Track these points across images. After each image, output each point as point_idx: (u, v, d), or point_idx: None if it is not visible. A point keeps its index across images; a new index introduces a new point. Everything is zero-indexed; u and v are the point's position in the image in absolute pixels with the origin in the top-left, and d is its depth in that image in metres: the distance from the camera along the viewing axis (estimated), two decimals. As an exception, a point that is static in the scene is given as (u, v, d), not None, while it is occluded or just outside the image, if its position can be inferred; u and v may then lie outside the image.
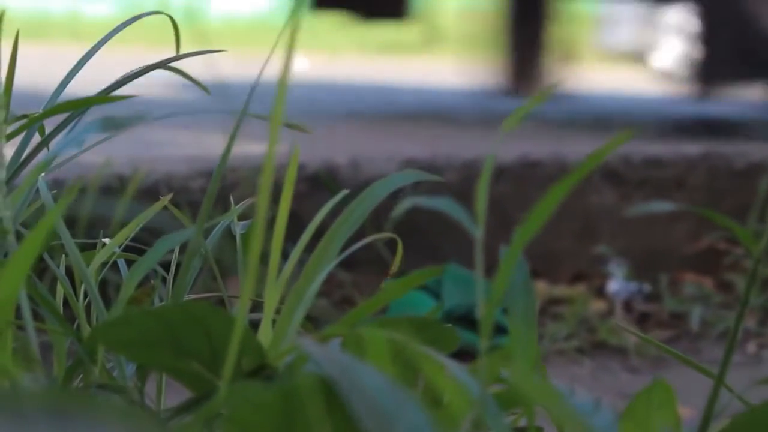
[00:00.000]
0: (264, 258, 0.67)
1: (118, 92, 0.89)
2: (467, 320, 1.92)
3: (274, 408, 0.56)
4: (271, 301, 0.75)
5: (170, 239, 0.79)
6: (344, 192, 0.86)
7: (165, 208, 0.91)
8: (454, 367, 0.59)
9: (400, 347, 0.64)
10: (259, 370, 0.68)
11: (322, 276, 0.76)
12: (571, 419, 0.55)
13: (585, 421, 0.57)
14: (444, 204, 0.60)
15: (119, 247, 0.90)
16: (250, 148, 2.00)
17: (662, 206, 0.69)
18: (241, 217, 0.92)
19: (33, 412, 0.40)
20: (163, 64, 0.92)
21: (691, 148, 2.41)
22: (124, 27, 0.95)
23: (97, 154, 1.89)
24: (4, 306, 0.64)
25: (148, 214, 0.84)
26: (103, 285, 0.90)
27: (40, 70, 3.35)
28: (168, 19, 0.96)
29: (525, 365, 0.49)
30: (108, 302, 0.83)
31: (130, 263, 0.85)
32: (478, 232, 0.58)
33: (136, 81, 0.92)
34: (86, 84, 1.06)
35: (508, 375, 0.70)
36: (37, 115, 0.87)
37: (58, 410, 0.40)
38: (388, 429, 0.51)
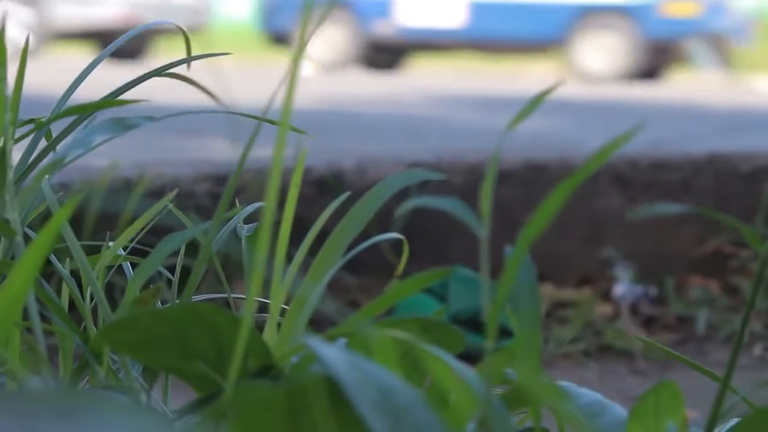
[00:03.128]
0: (269, 261, 0.67)
1: (125, 97, 0.89)
2: (474, 324, 1.92)
3: (281, 407, 0.56)
4: (276, 302, 0.75)
5: (174, 238, 0.79)
6: (347, 194, 0.86)
7: (170, 212, 0.91)
8: (459, 366, 0.59)
9: (406, 348, 0.64)
10: (265, 371, 0.68)
11: (327, 276, 0.76)
12: (577, 419, 0.55)
13: (590, 421, 0.57)
14: (449, 203, 0.60)
15: (125, 250, 0.90)
16: (254, 152, 2.00)
17: (666, 208, 0.68)
18: (246, 221, 0.92)
19: (40, 412, 0.41)
20: (167, 68, 0.92)
21: (697, 152, 2.41)
22: (129, 36, 0.95)
23: (103, 158, 1.88)
24: (12, 307, 0.64)
25: (153, 211, 0.84)
26: (109, 289, 0.90)
27: (48, 76, 3.36)
28: (172, 24, 0.96)
29: (530, 364, 0.49)
30: (114, 306, 0.83)
31: (135, 267, 0.85)
32: (483, 232, 0.58)
33: (139, 86, 0.92)
34: (92, 88, 1.07)
35: (513, 375, 0.70)
36: (44, 119, 0.87)
37: (66, 409, 0.40)
38: (394, 427, 0.51)
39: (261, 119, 0.84)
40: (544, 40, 12.06)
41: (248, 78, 6.38)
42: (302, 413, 0.57)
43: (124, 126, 0.71)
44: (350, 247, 0.81)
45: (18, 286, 0.63)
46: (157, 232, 1.04)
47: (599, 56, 11.78)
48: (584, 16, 11.88)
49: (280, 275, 0.73)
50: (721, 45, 12.44)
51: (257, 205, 0.91)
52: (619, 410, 0.75)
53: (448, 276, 1.99)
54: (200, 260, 0.76)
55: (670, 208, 0.67)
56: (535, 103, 0.64)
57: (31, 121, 0.87)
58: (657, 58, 11.94)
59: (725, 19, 12.31)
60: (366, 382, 0.54)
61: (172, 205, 0.87)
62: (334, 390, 0.56)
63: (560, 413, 0.53)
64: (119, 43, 0.95)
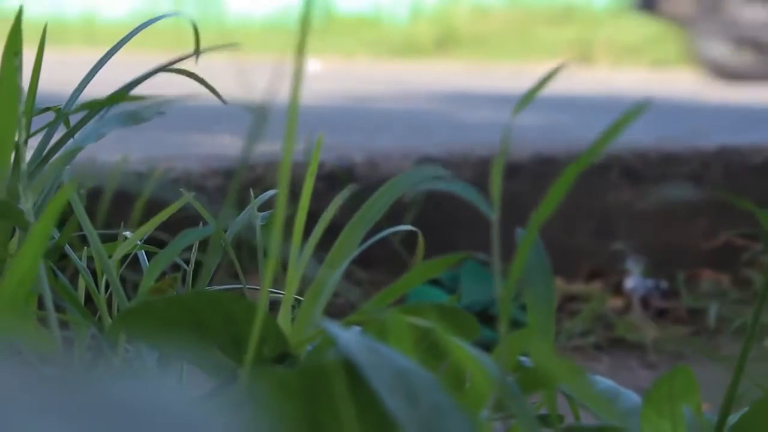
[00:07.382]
0: (284, 248, 0.68)
1: (139, 93, 0.90)
2: (485, 317, 1.92)
3: (298, 389, 0.57)
4: (291, 288, 0.75)
5: (192, 233, 0.80)
6: (355, 187, 0.86)
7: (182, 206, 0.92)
8: (474, 351, 0.60)
9: (421, 334, 0.64)
10: (281, 359, 0.68)
11: (343, 266, 0.76)
12: (593, 396, 0.55)
13: (609, 401, 0.57)
14: (460, 188, 0.61)
15: (139, 243, 0.90)
16: (266, 147, 2.01)
17: (680, 193, 0.69)
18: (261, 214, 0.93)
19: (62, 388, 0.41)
20: (182, 59, 0.93)
21: (707, 145, 2.41)
22: (142, 29, 0.95)
23: (113, 154, 1.89)
24: (21, 286, 0.64)
25: (172, 209, 0.84)
26: (122, 284, 0.90)
27: (55, 74, 3.36)
28: (186, 23, 0.96)
29: (546, 343, 0.49)
30: (128, 300, 0.83)
31: (150, 260, 0.85)
32: (494, 215, 0.59)
33: (152, 84, 0.92)
34: (105, 86, 1.07)
35: (527, 362, 0.71)
36: (58, 111, 0.87)
37: (88, 384, 0.40)
38: (412, 409, 0.51)
39: (268, 107, 0.84)
40: None
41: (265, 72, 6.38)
42: (319, 395, 0.57)
43: (135, 119, 0.72)
44: (361, 244, 0.81)
45: (26, 263, 0.63)
46: (169, 227, 1.05)
47: None
48: None
49: (295, 260, 0.73)
50: None
51: (271, 192, 0.91)
52: (633, 396, 0.75)
53: (459, 264, 2.00)
54: (213, 246, 0.76)
55: (683, 192, 0.67)
56: (541, 84, 0.64)
57: (47, 110, 0.87)
58: None
59: None
60: (383, 365, 0.54)
61: (191, 195, 0.88)
62: (350, 374, 0.57)
63: (576, 390, 0.53)
64: (130, 38, 0.95)
